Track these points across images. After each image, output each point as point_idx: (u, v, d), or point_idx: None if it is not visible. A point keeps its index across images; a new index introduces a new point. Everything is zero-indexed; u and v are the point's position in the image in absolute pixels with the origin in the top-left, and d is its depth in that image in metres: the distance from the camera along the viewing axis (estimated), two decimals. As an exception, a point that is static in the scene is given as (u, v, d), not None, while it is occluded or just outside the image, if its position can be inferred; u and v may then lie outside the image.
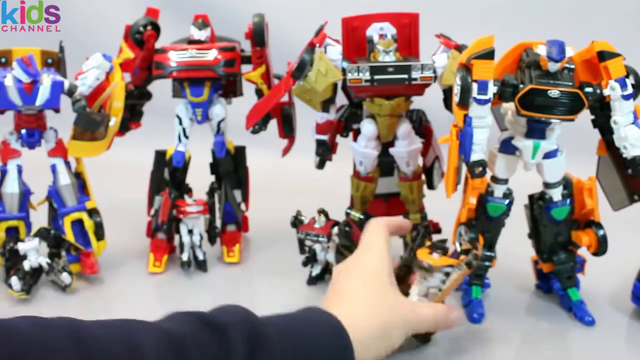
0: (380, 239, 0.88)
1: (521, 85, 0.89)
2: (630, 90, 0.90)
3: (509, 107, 0.96)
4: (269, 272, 1.16)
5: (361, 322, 0.76)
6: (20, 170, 1.11)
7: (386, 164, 1.13)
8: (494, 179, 0.97)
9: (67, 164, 1.13)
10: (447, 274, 0.88)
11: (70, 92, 1.07)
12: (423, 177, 1.13)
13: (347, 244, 1.05)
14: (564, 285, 1.01)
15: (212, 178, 1.25)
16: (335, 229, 1.05)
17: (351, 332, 0.73)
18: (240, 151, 1.25)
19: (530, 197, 1.02)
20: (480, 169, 0.91)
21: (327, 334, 0.72)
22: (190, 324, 0.68)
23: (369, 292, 0.81)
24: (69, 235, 1.11)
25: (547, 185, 0.98)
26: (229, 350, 0.66)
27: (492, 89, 0.89)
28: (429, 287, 0.89)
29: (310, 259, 1.10)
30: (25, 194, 1.12)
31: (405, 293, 0.88)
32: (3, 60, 1.09)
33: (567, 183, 0.98)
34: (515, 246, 1.06)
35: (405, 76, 1.02)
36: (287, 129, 1.20)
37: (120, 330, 0.65)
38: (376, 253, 0.86)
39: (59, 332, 0.62)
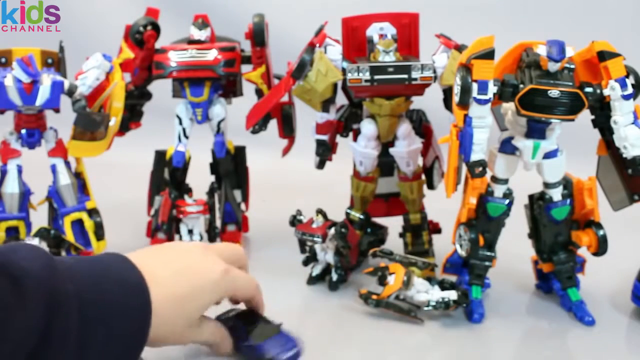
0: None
1: (521, 85, 0.89)
2: (630, 90, 0.90)
3: (509, 107, 0.96)
4: (269, 272, 1.15)
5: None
6: (20, 170, 1.11)
7: (386, 164, 1.13)
8: (494, 179, 0.97)
9: (67, 164, 1.13)
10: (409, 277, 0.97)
11: (70, 92, 1.07)
12: (423, 177, 1.13)
13: (343, 245, 1.05)
14: (564, 285, 1.01)
15: (212, 178, 1.25)
16: (332, 230, 1.05)
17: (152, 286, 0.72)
18: (240, 151, 1.25)
19: (530, 197, 1.02)
20: (480, 169, 0.91)
21: (128, 293, 0.71)
22: None
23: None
24: (69, 235, 1.11)
25: (547, 185, 0.98)
26: (23, 303, 0.63)
27: (492, 89, 0.89)
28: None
29: (311, 259, 1.10)
30: (25, 194, 1.12)
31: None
32: (3, 60, 1.09)
33: (567, 183, 0.98)
34: (515, 246, 1.06)
35: (405, 76, 1.02)
36: (287, 129, 1.20)
37: None
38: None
39: None
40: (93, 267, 0.72)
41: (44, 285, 0.65)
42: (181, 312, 0.76)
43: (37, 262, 0.67)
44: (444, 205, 1.03)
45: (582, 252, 1.01)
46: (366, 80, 1.02)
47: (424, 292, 0.98)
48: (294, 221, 1.07)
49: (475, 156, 0.90)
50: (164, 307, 0.73)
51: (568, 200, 0.98)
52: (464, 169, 0.93)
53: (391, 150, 1.10)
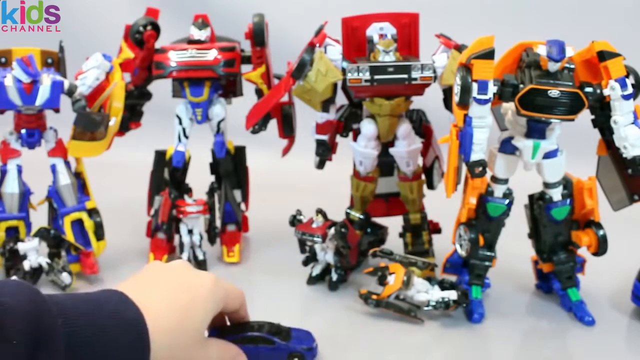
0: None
1: (521, 85, 0.89)
2: (630, 90, 0.90)
3: (509, 107, 0.96)
4: (269, 272, 1.16)
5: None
6: (20, 170, 1.11)
7: (386, 164, 1.13)
8: (494, 179, 0.97)
9: (67, 164, 1.13)
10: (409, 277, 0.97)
11: (70, 92, 1.07)
12: (423, 177, 1.13)
13: (343, 245, 1.05)
14: (564, 285, 1.01)
15: (212, 178, 1.25)
16: (332, 230, 1.05)
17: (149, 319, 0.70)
18: (240, 151, 1.25)
19: (530, 197, 1.02)
20: (480, 168, 0.91)
21: (123, 327, 0.68)
22: None
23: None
24: (69, 235, 1.11)
25: (547, 185, 0.98)
26: (4, 338, 0.60)
27: (492, 89, 0.89)
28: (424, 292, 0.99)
29: (311, 259, 1.10)
30: (25, 194, 1.12)
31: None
32: (3, 60, 1.09)
33: (567, 183, 0.98)
34: (515, 246, 1.06)
35: (405, 76, 1.02)
36: (287, 129, 1.20)
37: None
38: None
39: None
40: (86, 302, 0.69)
41: (27, 320, 0.62)
42: (184, 325, 0.73)
43: (21, 297, 0.64)
44: (444, 205, 1.03)
45: (582, 252, 1.01)
46: (366, 80, 1.02)
47: (424, 292, 0.98)
48: (294, 221, 1.07)
49: (475, 156, 0.90)
50: (164, 327, 0.70)
51: (568, 200, 0.98)
52: (464, 169, 0.93)
53: (391, 150, 1.10)
